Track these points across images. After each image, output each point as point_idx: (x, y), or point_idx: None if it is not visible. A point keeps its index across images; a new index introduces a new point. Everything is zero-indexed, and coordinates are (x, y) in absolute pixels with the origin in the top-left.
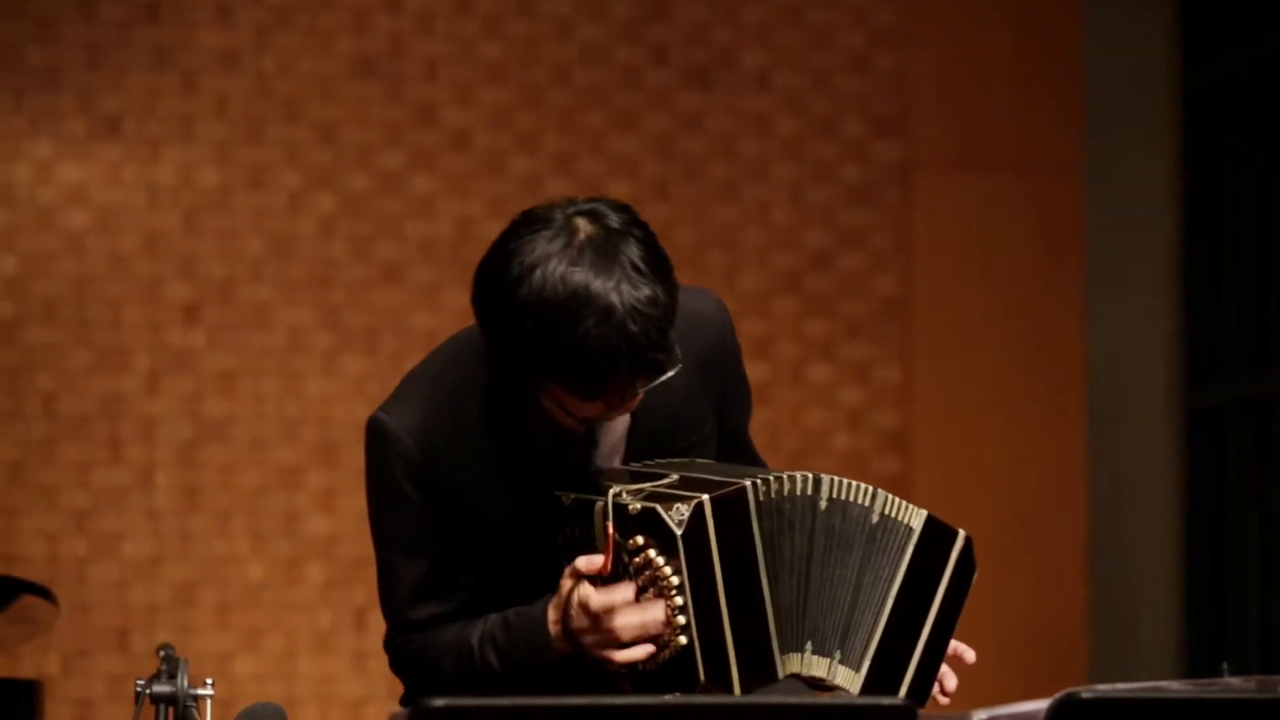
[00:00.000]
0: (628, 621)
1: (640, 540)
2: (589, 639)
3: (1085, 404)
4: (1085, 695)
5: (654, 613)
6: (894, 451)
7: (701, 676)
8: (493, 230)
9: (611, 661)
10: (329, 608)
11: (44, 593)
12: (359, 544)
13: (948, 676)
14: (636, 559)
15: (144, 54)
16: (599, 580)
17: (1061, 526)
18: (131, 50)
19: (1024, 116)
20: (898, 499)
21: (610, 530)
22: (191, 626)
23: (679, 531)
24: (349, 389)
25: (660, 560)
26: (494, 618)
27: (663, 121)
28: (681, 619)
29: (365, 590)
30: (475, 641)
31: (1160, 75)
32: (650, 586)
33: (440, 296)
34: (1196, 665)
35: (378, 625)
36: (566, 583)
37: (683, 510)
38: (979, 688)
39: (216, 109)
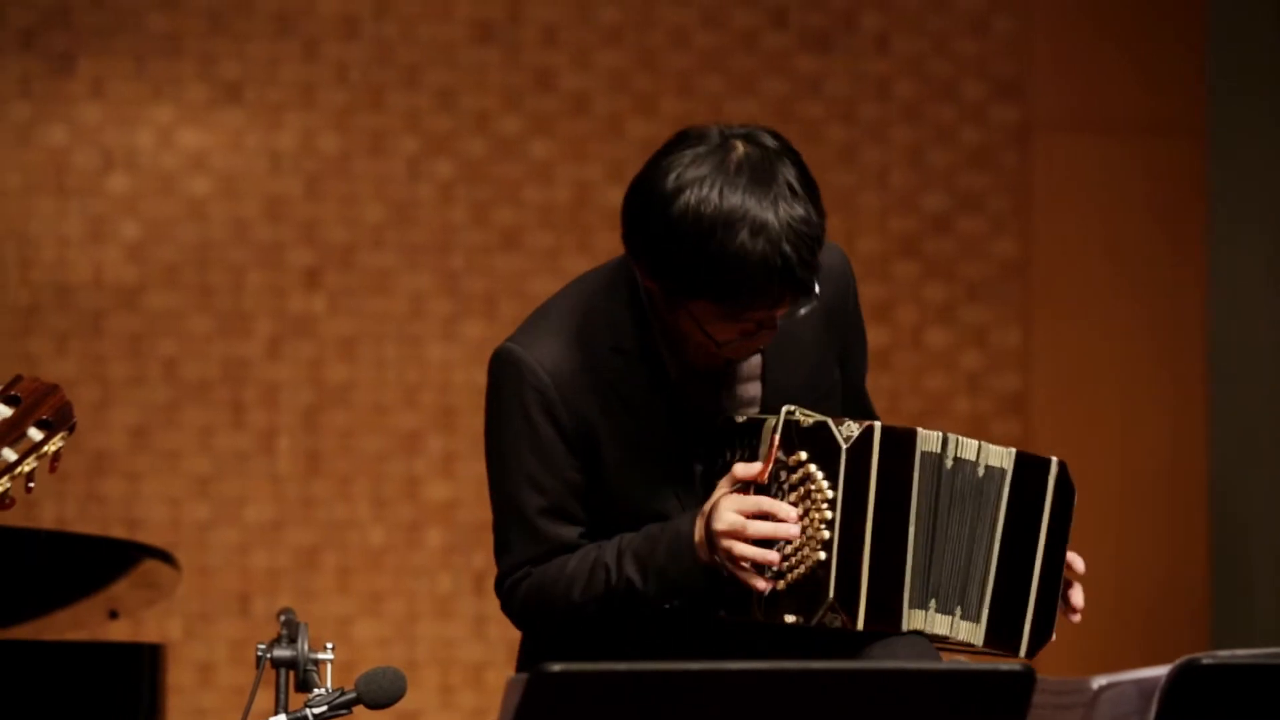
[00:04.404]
0: (760, 525)
1: (803, 455)
2: (723, 541)
3: (1206, 367)
4: (1206, 661)
5: (789, 528)
6: (1014, 414)
7: (831, 594)
8: (611, 194)
9: (736, 574)
10: (449, 572)
11: (166, 557)
12: (479, 509)
13: (1074, 592)
14: (794, 475)
15: (265, 21)
16: (753, 490)
17: (1183, 490)
18: (253, 17)
19: (1145, 79)
20: (994, 446)
21: (775, 441)
22: (312, 591)
23: (845, 446)
24: (469, 354)
25: (819, 474)
26: (630, 535)
27: (781, 85)
28: (826, 533)
29: (485, 555)
30: (611, 559)
31: None
32: (803, 502)
33: (559, 261)
34: None
35: None
36: (722, 488)
37: (853, 428)
38: (1099, 652)
39: (337, 75)
